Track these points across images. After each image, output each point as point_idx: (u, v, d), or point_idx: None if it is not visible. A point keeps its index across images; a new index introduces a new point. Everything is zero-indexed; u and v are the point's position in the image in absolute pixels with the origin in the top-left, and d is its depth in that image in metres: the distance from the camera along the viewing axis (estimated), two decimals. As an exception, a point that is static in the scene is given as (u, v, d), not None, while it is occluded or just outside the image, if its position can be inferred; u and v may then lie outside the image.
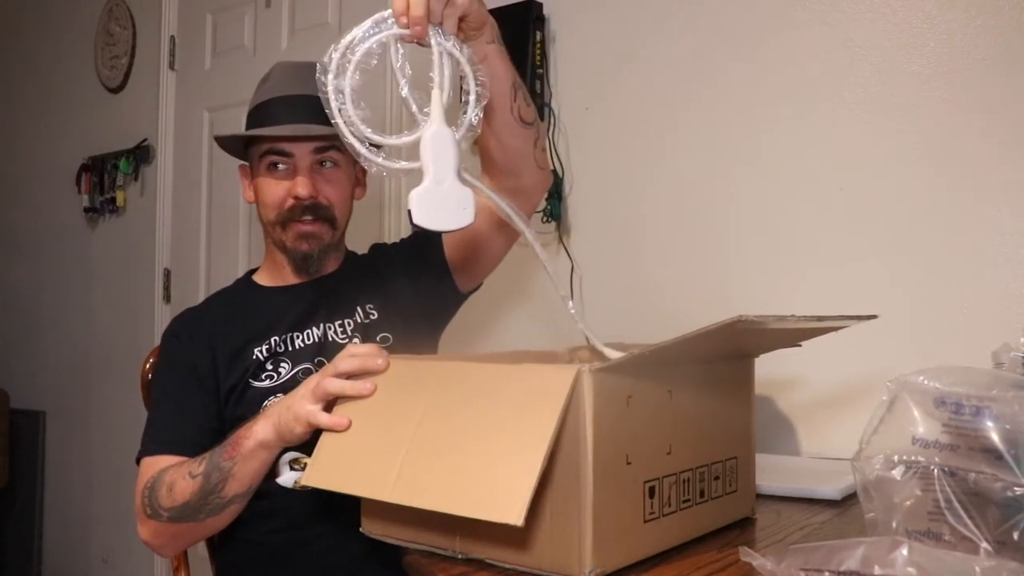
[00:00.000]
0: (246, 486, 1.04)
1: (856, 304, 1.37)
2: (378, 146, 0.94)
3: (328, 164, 1.22)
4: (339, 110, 0.92)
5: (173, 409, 1.18)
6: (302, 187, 1.18)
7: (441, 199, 0.90)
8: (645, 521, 0.81)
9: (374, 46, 0.92)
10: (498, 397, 0.80)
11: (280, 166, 1.20)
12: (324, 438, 0.91)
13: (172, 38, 2.66)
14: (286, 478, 1.15)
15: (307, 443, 1.15)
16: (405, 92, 0.92)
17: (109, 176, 2.79)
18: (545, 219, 1.70)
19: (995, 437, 0.69)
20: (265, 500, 1.14)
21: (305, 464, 1.16)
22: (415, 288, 1.29)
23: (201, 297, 2.54)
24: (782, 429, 1.46)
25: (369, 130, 0.92)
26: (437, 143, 0.90)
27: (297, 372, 1.18)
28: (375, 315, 1.26)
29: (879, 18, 1.40)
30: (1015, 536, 0.67)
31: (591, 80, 1.72)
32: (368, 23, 0.92)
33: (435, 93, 0.92)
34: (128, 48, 2.78)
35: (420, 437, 0.82)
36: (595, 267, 1.67)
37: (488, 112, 1.00)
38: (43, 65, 3.17)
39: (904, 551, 0.64)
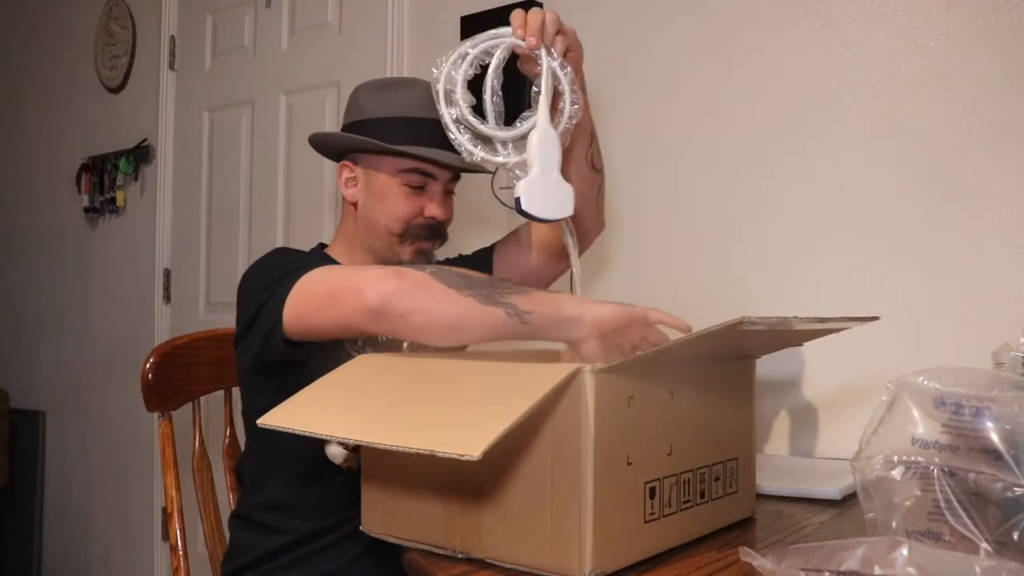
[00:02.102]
0: (528, 308, 0.93)
1: (856, 303, 1.37)
2: (481, 138, 1.02)
3: (451, 191, 1.28)
4: (446, 93, 1.00)
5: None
6: (437, 211, 1.23)
7: (547, 191, 0.99)
8: (646, 522, 0.81)
9: (490, 48, 1.01)
10: (493, 383, 0.81)
11: (418, 186, 1.23)
12: (303, 394, 0.90)
13: (172, 38, 2.66)
14: (334, 452, 1.15)
15: None
16: (489, 103, 1.00)
17: (109, 176, 2.79)
18: (545, 219, 1.70)
19: (995, 437, 0.69)
20: (310, 473, 1.16)
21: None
22: None
23: (201, 297, 2.55)
24: (782, 429, 1.46)
25: (475, 119, 1.00)
26: (544, 140, 1.00)
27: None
28: None
29: (879, 18, 1.40)
30: (1015, 536, 0.67)
31: (591, 80, 1.71)
32: (486, 34, 1.02)
33: (542, 98, 1.01)
34: (128, 48, 2.78)
35: (401, 401, 0.83)
36: (595, 267, 1.67)
37: (564, 152, 1.06)
38: (43, 65, 3.17)
39: (904, 551, 0.64)
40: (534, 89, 1.03)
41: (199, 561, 1.32)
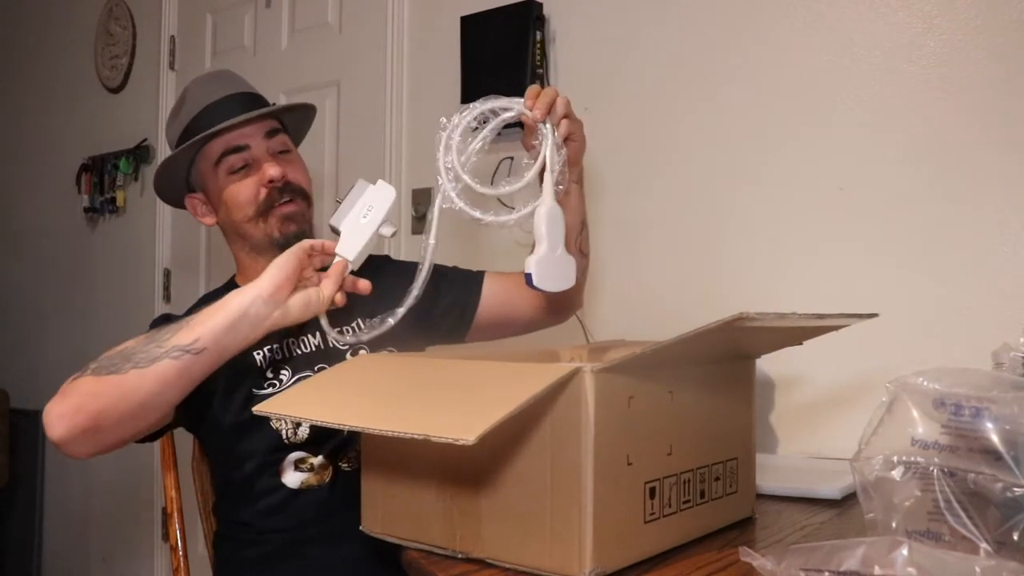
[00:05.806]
0: (190, 339, 0.96)
1: (856, 304, 1.37)
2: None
3: (283, 150, 1.23)
4: (447, 142, 1.00)
5: None
6: (273, 169, 1.19)
7: (554, 265, 1.04)
8: (645, 522, 0.81)
9: (498, 108, 1.03)
10: (492, 380, 0.81)
11: (241, 166, 1.20)
12: (300, 386, 0.92)
13: (172, 38, 2.66)
14: (291, 478, 1.15)
15: (312, 443, 1.16)
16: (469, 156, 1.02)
17: (109, 176, 2.80)
18: (545, 219, 1.70)
19: (995, 438, 0.69)
20: (269, 498, 1.15)
21: (311, 465, 1.16)
22: (432, 315, 1.29)
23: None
24: (782, 429, 1.46)
25: (465, 174, 1.00)
26: (551, 218, 1.03)
27: (298, 379, 1.18)
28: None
29: (879, 18, 1.40)
30: (1015, 536, 0.67)
31: (591, 80, 1.72)
32: (500, 98, 1.04)
33: (547, 175, 1.04)
34: (128, 48, 2.78)
35: (399, 395, 0.83)
36: (595, 267, 1.66)
37: None
38: (43, 65, 3.17)
39: (904, 551, 0.64)
40: (524, 161, 1.05)
41: (199, 561, 1.32)
